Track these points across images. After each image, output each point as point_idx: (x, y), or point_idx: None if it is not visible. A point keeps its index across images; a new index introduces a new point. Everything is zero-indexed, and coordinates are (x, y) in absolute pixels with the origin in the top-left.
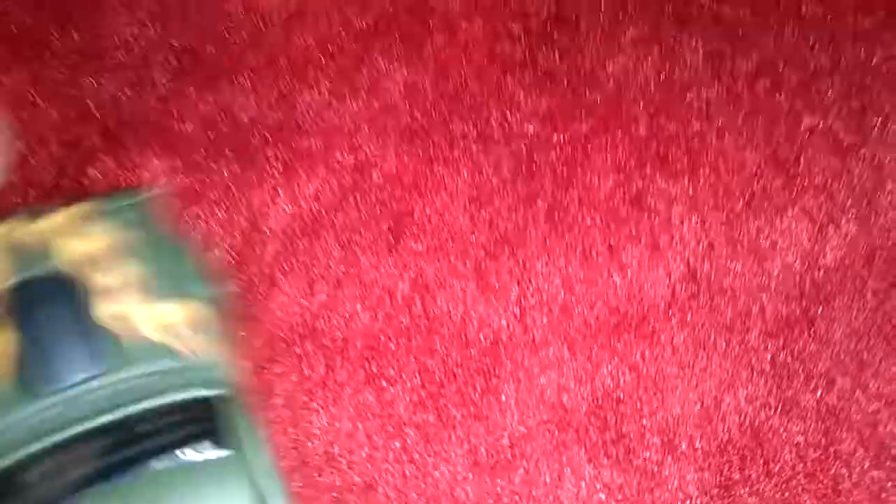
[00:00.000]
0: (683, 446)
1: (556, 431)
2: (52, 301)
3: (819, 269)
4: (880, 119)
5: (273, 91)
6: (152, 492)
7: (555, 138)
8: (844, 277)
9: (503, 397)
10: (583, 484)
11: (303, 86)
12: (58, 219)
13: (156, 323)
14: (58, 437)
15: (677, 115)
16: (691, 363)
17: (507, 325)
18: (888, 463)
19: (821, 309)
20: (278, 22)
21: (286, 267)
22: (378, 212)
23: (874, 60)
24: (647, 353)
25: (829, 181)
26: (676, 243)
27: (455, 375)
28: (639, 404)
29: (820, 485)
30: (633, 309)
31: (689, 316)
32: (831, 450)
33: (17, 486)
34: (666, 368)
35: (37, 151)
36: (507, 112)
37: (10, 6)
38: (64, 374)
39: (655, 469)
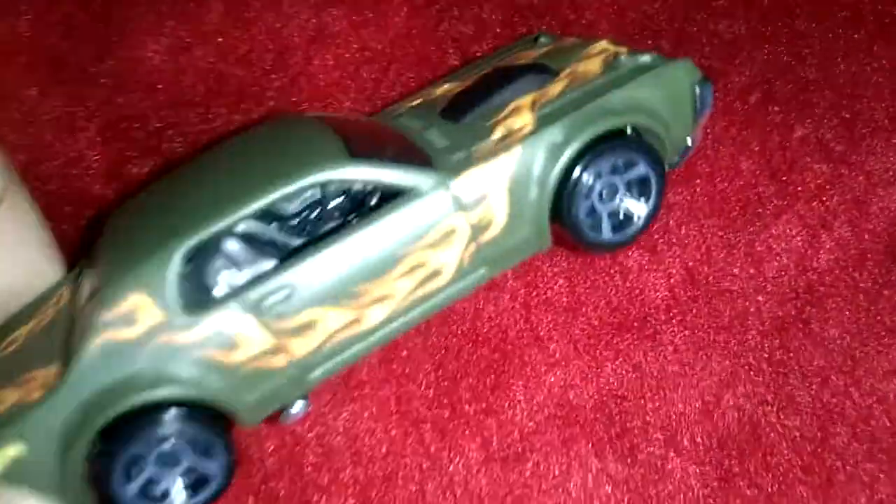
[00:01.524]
0: (685, 441)
1: (564, 426)
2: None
3: (813, 272)
4: (870, 129)
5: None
6: None
7: None
8: (837, 279)
9: (513, 394)
10: (590, 476)
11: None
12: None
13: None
14: None
15: None
16: (692, 362)
17: (515, 324)
18: (881, 456)
19: (815, 309)
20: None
21: None
22: None
23: (864, 72)
24: (649, 352)
25: (822, 188)
26: (675, 248)
27: (468, 372)
28: (642, 401)
29: (816, 477)
30: (634, 310)
31: (689, 317)
32: (826, 444)
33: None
34: (667, 367)
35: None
36: None
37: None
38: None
39: (659, 463)
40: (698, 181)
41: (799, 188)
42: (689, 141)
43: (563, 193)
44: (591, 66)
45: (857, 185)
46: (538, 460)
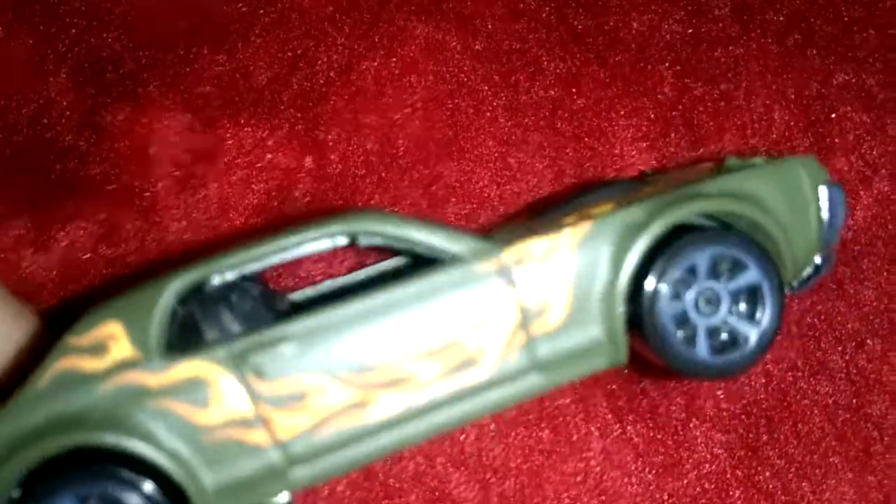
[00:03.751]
0: (707, 407)
1: (582, 389)
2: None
3: (848, 230)
4: None
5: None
6: None
7: (579, 103)
8: (875, 237)
9: None
10: (609, 440)
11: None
12: None
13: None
14: None
15: (704, 75)
16: None
17: None
18: None
19: (849, 270)
20: None
21: None
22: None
23: None
24: None
25: (861, 139)
26: None
27: None
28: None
29: (851, 447)
30: None
31: None
32: (862, 412)
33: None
34: None
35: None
36: (533, 75)
37: None
38: None
39: (680, 429)
40: (728, 135)
41: (837, 140)
42: (817, 259)
43: (642, 291)
44: (695, 171)
45: None
46: (556, 425)
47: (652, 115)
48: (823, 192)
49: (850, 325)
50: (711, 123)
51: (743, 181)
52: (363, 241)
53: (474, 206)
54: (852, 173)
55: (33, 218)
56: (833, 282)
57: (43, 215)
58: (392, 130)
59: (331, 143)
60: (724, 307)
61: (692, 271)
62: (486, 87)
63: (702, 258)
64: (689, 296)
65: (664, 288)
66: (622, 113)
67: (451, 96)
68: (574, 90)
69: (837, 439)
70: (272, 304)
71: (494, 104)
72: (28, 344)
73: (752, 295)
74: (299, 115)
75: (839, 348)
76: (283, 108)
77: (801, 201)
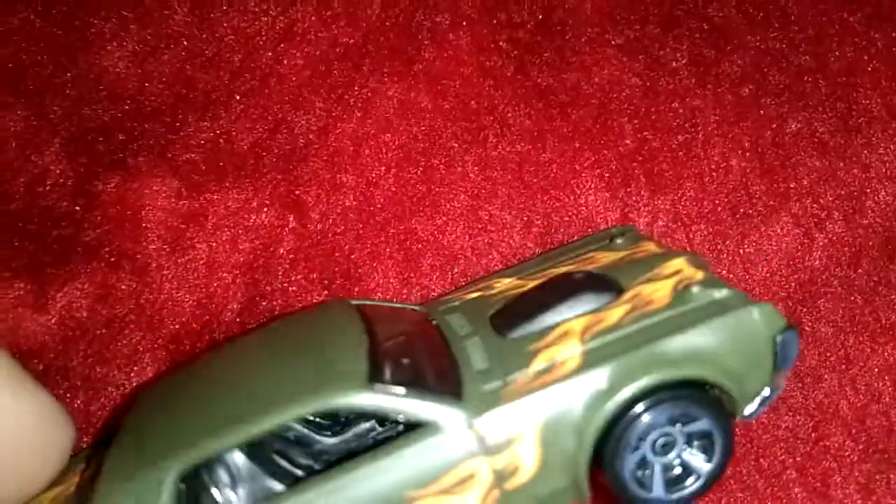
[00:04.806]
0: None
1: None
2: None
3: (805, 271)
4: (865, 119)
5: (268, 116)
6: None
7: (545, 157)
8: (831, 277)
9: None
10: None
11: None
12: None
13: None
14: None
15: (663, 126)
16: None
17: None
18: (876, 456)
19: (807, 309)
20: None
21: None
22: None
23: (860, 58)
24: None
25: (815, 184)
26: None
27: None
28: None
29: (810, 478)
30: None
31: None
32: (820, 444)
33: None
34: None
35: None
36: (501, 131)
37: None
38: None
39: None
40: (687, 184)
41: (792, 185)
42: (766, 391)
43: (607, 443)
44: (659, 291)
45: (852, 179)
46: None
47: (614, 167)
48: (779, 339)
49: (808, 362)
50: (671, 172)
51: (706, 338)
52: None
53: (447, 258)
54: (808, 217)
55: (32, 280)
56: (793, 321)
57: (41, 278)
58: (369, 188)
59: (311, 203)
60: (678, 447)
61: (652, 427)
62: (457, 144)
63: (660, 418)
64: (647, 443)
65: (627, 441)
66: (585, 165)
67: (424, 154)
68: (540, 144)
69: (798, 471)
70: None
71: (465, 160)
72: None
73: (705, 436)
74: (281, 176)
75: (798, 384)
76: (265, 170)
77: (758, 350)
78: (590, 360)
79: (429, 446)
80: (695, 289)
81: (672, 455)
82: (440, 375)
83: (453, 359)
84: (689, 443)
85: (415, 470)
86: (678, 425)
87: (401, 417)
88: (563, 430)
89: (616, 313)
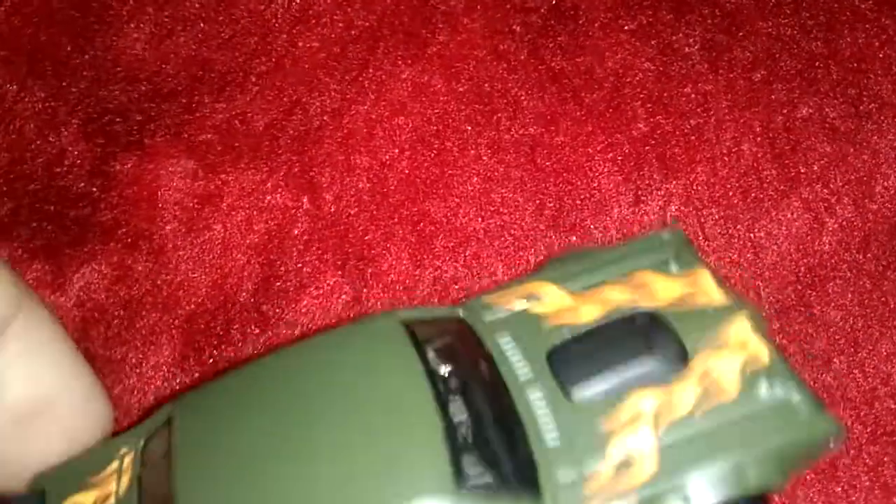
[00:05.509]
0: None
1: None
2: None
3: (814, 255)
4: (876, 105)
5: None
6: None
7: (557, 140)
8: (840, 261)
9: None
10: None
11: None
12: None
13: None
14: None
15: (675, 111)
16: None
17: None
18: (884, 438)
19: (816, 293)
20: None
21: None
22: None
23: (871, 45)
24: None
25: (825, 169)
26: None
27: None
28: None
29: (819, 460)
30: None
31: None
32: None
33: None
34: None
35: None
36: (514, 114)
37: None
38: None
39: None
40: (699, 168)
41: (802, 170)
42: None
43: None
44: (727, 374)
45: (862, 164)
46: None
47: (626, 150)
48: (832, 446)
49: (817, 345)
50: (683, 156)
51: (775, 448)
52: None
53: (460, 240)
54: (818, 201)
55: (50, 262)
56: (802, 305)
57: (59, 259)
58: (382, 170)
59: (325, 184)
60: None
61: None
62: (470, 127)
63: None
64: None
65: None
66: (598, 148)
67: (437, 136)
68: (553, 128)
69: None
70: None
71: (478, 142)
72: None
73: None
74: (295, 158)
75: (808, 367)
76: (280, 152)
77: (801, 454)
78: (667, 465)
79: None
80: (764, 384)
81: None
82: (513, 455)
83: (520, 423)
84: None
85: None
86: None
87: None
88: None
89: (688, 398)
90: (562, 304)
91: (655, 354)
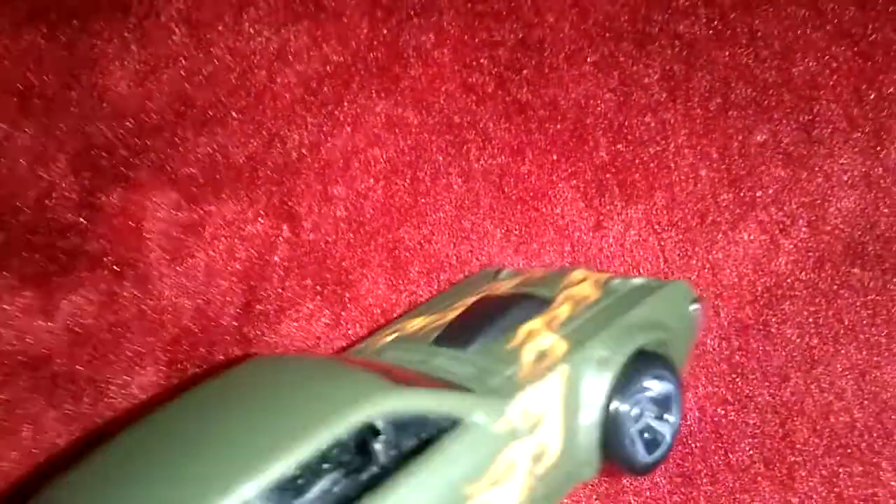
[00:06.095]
0: None
1: None
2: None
3: (771, 276)
4: (828, 130)
5: (263, 131)
6: None
7: (524, 169)
8: (796, 281)
9: None
10: None
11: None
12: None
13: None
14: None
15: (635, 139)
16: None
17: None
18: (840, 451)
19: (773, 312)
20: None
21: (292, 295)
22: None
23: (823, 72)
24: None
25: (780, 192)
26: (632, 262)
27: None
28: None
29: (777, 472)
30: None
31: None
32: (787, 440)
33: None
34: None
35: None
36: (483, 144)
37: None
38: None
39: None
40: (659, 193)
41: (758, 194)
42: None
43: (608, 414)
44: (585, 290)
45: (815, 188)
46: None
47: (589, 178)
48: (694, 309)
49: (774, 362)
50: (643, 183)
51: (652, 311)
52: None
53: (434, 265)
54: (773, 224)
55: (40, 289)
56: (759, 323)
57: (49, 286)
58: (358, 199)
59: (304, 213)
60: (648, 413)
61: (640, 390)
62: (441, 157)
63: (646, 380)
64: (636, 410)
65: (627, 409)
66: (562, 176)
67: (410, 166)
68: (519, 157)
69: (765, 465)
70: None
71: (449, 172)
72: None
73: (665, 400)
74: (275, 188)
75: (766, 383)
76: (260, 183)
77: (683, 321)
78: (577, 340)
79: (475, 440)
80: (614, 281)
81: (643, 421)
82: (440, 383)
83: (436, 377)
84: (654, 409)
85: (467, 466)
86: (647, 392)
87: (437, 414)
88: (578, 404)
89: (564, 310)
90: (428, 320)
91: (522, 303)
